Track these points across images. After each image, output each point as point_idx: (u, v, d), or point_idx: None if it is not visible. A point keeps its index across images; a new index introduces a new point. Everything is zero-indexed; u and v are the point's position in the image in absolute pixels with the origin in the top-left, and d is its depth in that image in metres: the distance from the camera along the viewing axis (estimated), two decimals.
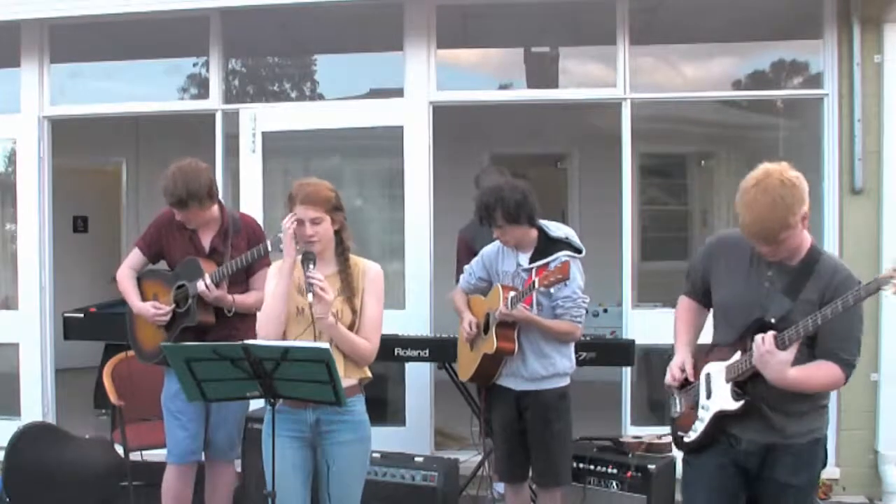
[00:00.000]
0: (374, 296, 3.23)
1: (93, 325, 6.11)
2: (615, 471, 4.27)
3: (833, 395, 5.09)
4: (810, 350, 2.72)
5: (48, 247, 5.81)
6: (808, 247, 2.76)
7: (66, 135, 6.07)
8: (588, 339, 4.76)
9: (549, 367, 3.88)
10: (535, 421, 3.90)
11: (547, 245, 3.92)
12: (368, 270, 3.25)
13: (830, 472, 5.12)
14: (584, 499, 4.31)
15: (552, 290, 3.78)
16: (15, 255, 5.90)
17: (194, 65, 6.28)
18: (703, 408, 2.89)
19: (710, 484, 2.90)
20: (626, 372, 5.28)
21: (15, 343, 5.79)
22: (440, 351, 4.83)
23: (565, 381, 3.95)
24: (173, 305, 3.94)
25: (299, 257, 3.13)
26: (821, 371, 2.70)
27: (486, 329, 3.96)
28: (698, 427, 2.90)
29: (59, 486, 4.67)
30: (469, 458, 5.03)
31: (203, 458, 4.12)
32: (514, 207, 3.81)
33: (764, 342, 2.64)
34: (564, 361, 3.93)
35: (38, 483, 4.66)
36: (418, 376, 5.40)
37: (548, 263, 3.85)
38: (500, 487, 4.64)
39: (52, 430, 4.98)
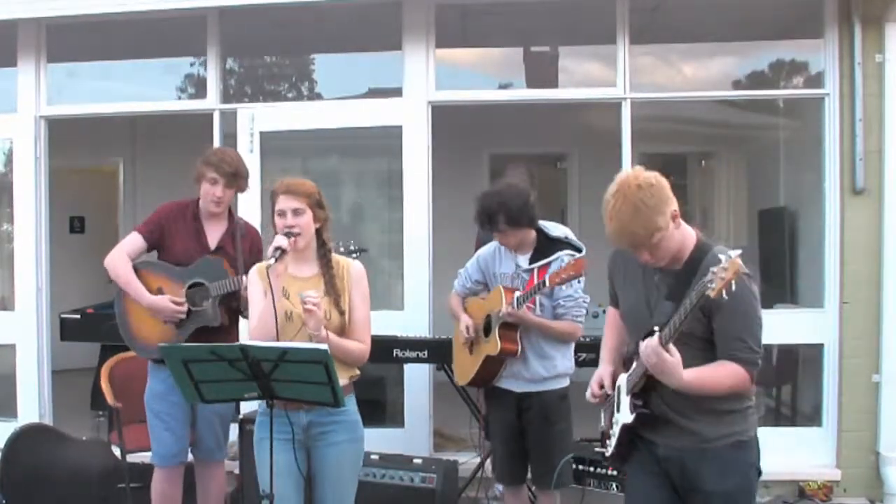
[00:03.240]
0: (361, 296, 3.25)
1: (90, 326, 6.09)
2: (614, 472, 4.25)
3: (833, 395, 5.12)
4: (708, 355, 2.59)
5: (45, 247, 5.78)
6: (693, 246, 2.64)
7: (63, 135, 6.03)
8: (587, 340, 4.73)
9: (551, 368, 3.86)
10: (537, 422, 3.88)
11: (546, 245, 3.91)
12: (352, 270, 3.26)
13: (832, 473, 5.12)
14: (584, 501, 4.29)
15: (554, 289, 3.76)
16: (11, 255, 5.86)
17: (192, 64, 6.27)
18: (615, 421, 2.82)
19: (642, 492, 2.81)
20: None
21: (11, 344, 5.75)
22: (439, 352, 4.80)
23: (566, 382, 3.94)
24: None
25: (274, 252, 3.09)
26: (720, 371, 2.55)
27: (487, 331, 3.93)
28: (612, 441, 2.83)
29: (56, 488, 4.64)
30: (468, 460, 5.02)
31: (191, 458, 4.09)
32: (517, 212, 3.79)
33: (648, 348, 2.50)
34: (565, 362, 3.92)
35: (35, 484, 4.64)
36: (417, 378, 5.37)
37: (549, 263, 3.83)
38: (499, 489, 4.61)
39: (49, 431, 4.96)
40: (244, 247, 4.00)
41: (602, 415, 2.94)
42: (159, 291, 3.90)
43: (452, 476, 4.51)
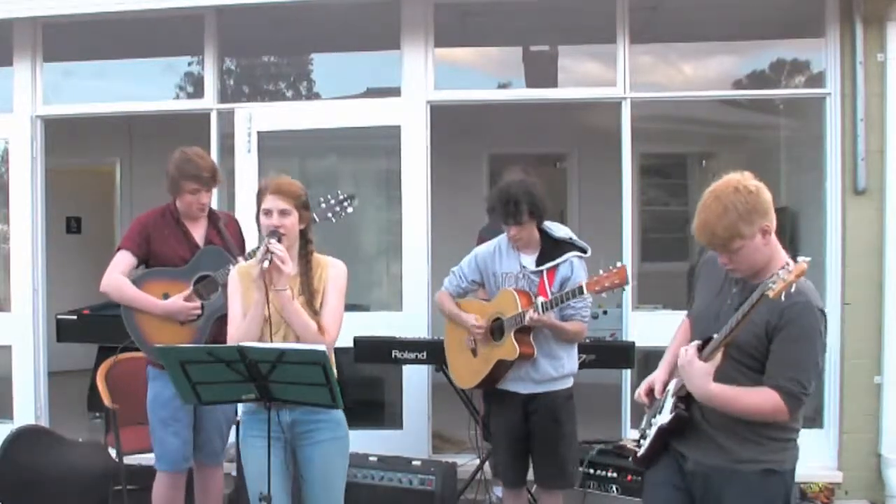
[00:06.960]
0: (335, 289, 3.20)
1: (86, 327, 6.06)
2: (615, 474, 4.25)
3: (835, 397, 5.10)
4: (757, 376, 2.55)
5: (41, 248, 5.75)
6: (779, 267, 2.57)
7: (60, 135, 6.01)
8: (588, 341, 4.71)
9: (560, 369, 3.85)
10: (545, 423, 3.86)
11: (552, 246, 3.88)
12: (330, 267, 3.23)
13: (833, 475, 5.09)
14: (584, 502, 4.26)
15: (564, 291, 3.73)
16: (7, 256, 5.84)
17: (189, 64, 6.24)
18: (653, 423, 2.80)
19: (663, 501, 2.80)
20: (627, 374, 5.23)
21: (7, 345, 5.72)
22: (438, 353, 4.75)
23: (571, 382, 3.94)
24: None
25: (265, 255, 3.04)
26: (752, 394, 2.51)
27: (495, 334, 3.89)
28: (644, 442, 2.81)
29: (52, 490, 4.62)
30: (467, 462, 4.99)
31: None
32: (540, 202, 3.78)
33: (686, 353, 2.54)
34: (572, 362, 3.92)
35: (31, 487, 4.61)
36: (416, 379, 5.34)
37: (558, 265, 3.82)
38: (498, 491, 4.58)
39: (46, 433, 4.93)
40: (231, 232, 4.05)
41: (645, 417, 2.92)
42: (166, 296, 3.87)
43: (451, 478, 4.49)
